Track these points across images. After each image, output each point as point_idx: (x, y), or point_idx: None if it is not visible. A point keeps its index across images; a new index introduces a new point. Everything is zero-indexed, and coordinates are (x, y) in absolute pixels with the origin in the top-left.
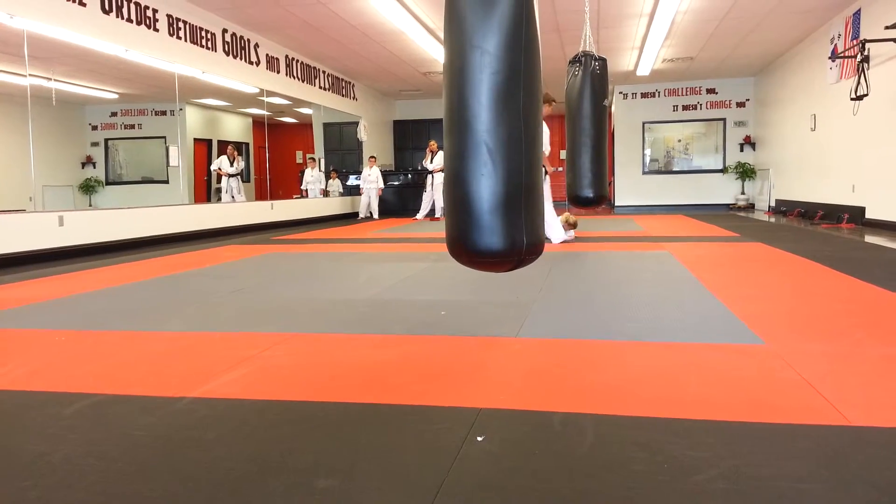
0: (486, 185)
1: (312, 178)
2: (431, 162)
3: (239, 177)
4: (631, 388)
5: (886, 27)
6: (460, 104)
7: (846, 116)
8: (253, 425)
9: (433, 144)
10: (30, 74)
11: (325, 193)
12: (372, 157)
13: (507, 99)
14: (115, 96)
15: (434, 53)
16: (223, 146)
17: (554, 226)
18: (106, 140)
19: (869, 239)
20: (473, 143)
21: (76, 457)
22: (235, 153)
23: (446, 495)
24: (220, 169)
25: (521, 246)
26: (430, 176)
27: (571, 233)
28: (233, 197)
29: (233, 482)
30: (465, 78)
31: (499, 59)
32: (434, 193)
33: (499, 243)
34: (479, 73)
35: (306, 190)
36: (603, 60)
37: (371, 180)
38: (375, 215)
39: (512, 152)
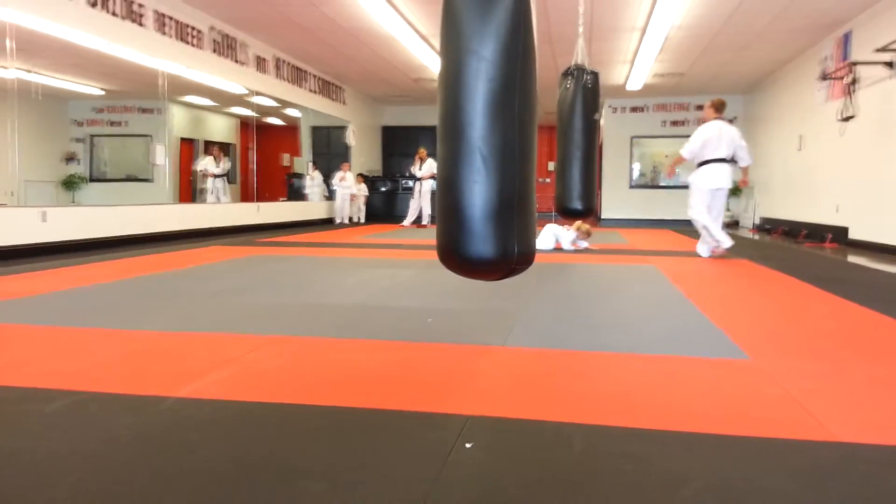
0: (478, 193)
1: (313, 182)
2: (420, 169)
3: (225, 178)
4: (619, 399)
5: (876, 50)
6: (455, 110)
7: (833, 137)
8: (237, 427)
9: (422, 152)
10: (14, 67)
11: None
12: (345, 163)
13: (503, 106)
14: (101, 92)
15: (425, 60)
16: (209, 146)
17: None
18: (90, 136)
19: (852, 259)
20: (467, 150)
21: (58, 454)
22: (221, 153)
23: (434, 502)
24: (205, 170)
25: (513, 255)
26: (417, 183)
27: (585, 243)
28: (218, 198)
29: (217, 484)
30: (460, 83)
31: (495, 65)
32: (421, 200)
33: (490, 252)
34: (475, 79)
35: (307, 194)
36: (595, 74)
37: (345, 185)
38: (358, 220)
39: (506, 160)
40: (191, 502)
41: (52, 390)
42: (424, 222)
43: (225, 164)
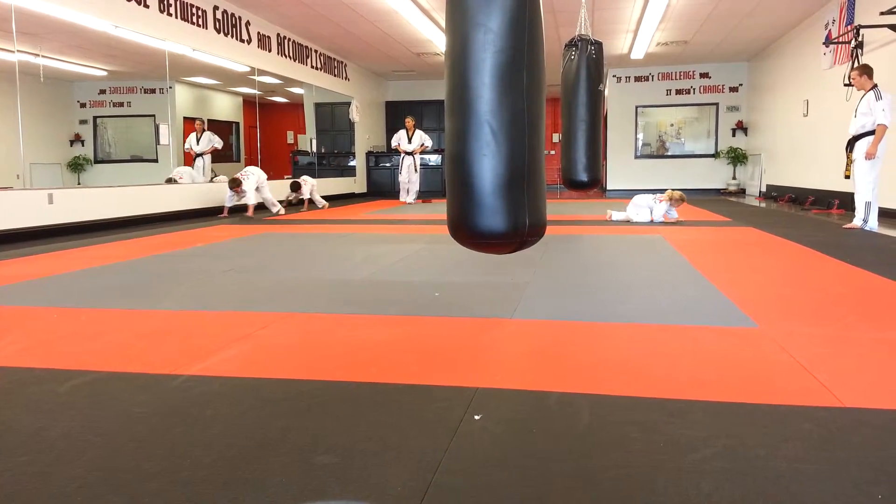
0: (488, 166)
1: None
2: (410, 142)
3: (204, 156)
4: (627, 368)
5: (881, 13)
6: (463, 84)
7: (839, 103)
8: (250, 403)
9: (410, 122)
10: (18, 50)
11: None
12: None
13: (510, 78)
14: (104, 73)
15: (427, 34)
16: (211, 125)
17: None
18: (94, 118)
19: None
20: (476, 124)
21: (74, 433)
22: (202, 129)
23: (445, 473)
24: (190, 148)
25: (524, 227)
26: (408, 157)
27: (675, 213)
28: (199, 177)
29: (232, 459)
30: (467, 57)
31: (502, 37)
32: (410, 175)
33: (501, 225)
34: (482, 52)
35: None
36: (599, 44)
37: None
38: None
39: (515, 133)
40: (206, 477)
41: (65, 370)
42: (412, 199)
43: (213, 140)
